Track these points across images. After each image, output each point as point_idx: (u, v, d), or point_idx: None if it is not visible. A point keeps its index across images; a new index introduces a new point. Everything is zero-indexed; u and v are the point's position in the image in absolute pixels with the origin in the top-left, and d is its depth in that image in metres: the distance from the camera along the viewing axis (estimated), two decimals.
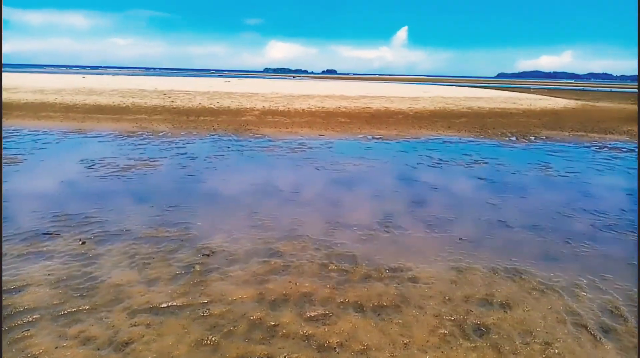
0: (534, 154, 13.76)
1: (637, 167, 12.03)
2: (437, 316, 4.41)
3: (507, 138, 16.90)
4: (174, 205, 7.67)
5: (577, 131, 18.98)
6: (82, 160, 10.99)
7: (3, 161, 10.50)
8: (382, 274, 5.26)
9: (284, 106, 24.80)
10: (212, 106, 24.10)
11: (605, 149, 14.93)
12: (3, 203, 7.37)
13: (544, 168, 11.73)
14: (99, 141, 13.89)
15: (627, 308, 4.69)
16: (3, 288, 4.64)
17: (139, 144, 13.48)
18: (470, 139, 16.56)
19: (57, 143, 13.48)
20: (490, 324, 4.30)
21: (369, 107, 25.76)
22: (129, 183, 9.07)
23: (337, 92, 35.26)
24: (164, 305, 4.46)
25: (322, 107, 24.91)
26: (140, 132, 15.73)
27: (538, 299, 4.82)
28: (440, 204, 8.26)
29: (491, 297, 4.81)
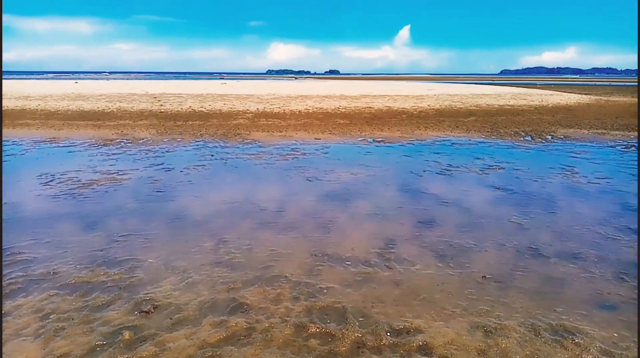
0: (555, 157, 12.24)
1: None
2: None
3: (521, 138, 15.37)
4: (126, 233, 6.24)
5: (597, 129, 17.41)
6: (40, 175, 9.59)
7: None
8: (381, 340, 3.79)
9: (279, 107, 23.35)
10: (202, 109, 22.67)
11: (633, 148, 13.38)
12: None
13: (569, 173, 10.22)
14: (70, 152, 12.49)
15: None
16: None
17: (113, 154, 12.07)
18: (481, 140, 15.04)
19: (22, 154, 12.10)
20: None
21: (370, 107, 24.27)
22: (82, 204, 7.65)
23: (337, 92, 33.77)
24: None
25: (320, 108, 23.44)
26: (118, 140, 14.33)
27: None
28: (453, 224, 6.78)
29: None
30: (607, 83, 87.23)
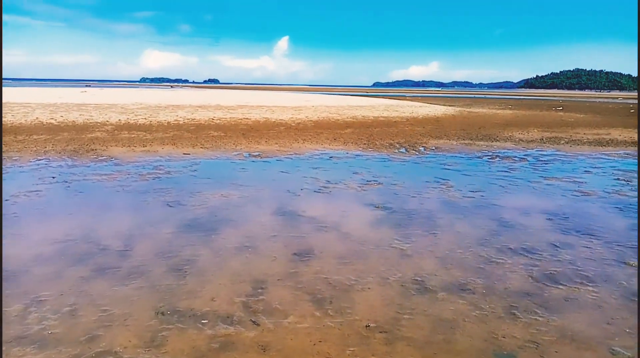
0: (429, 169, 12.27)
1: (530, 181, 11.00)
2: None
3: (396, 150, 15.44)
4: None
5: (464, 140, 18.27)
6: None
7: None
8: None
9: (145, 118, 21.21)
10: (52, 121, 19.69)
11: (498, 159, 14.04)
12: None
13: (444, 186, 10.14)
14: None
15: None
16: None
17: None
18: (359, 153, 14.78)
19: None
20: None
21: (247, 119, 23.19)
22: None
23: (213, 102, 32.16)
24: None
25: (193, 119, 21.78)
26: None
27: None
28: (332, 255, 5.98)
29: None
30: (465, 96, 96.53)
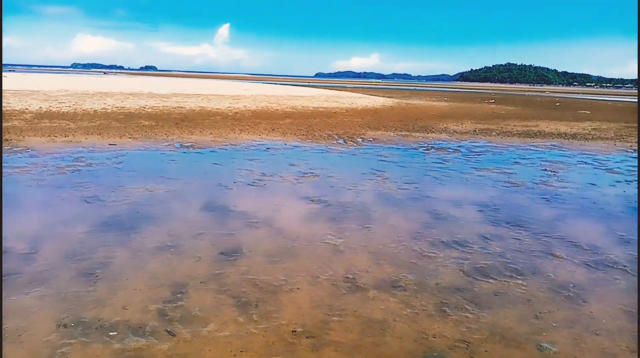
0: (366, 161, 12.21)
1: (467, 171, 11.20)
2: None
3: (334, 141, 15.29)
4: None
5: (401, 131, 18.44)
6: None
7: None
8: None
9: (70, 106, 19.79)
10: None
11: (433, 150, 14.22)
12: None
13: (379, 178, 10.08)
14: None
15: None
16: None
17: None
18: (297, 144, 14.50)
19: None
20: None
21: (181, 107, 22.24)
22: None
23: (146, 90, 30.69)
24: None
25: (122, 107, 20.59)
26: None
27: None
28: (262, 253, 5.66)
29: None
30: (404, 87, 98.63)
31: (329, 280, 4.98)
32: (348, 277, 5.07)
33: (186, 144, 13.36)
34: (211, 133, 15.65)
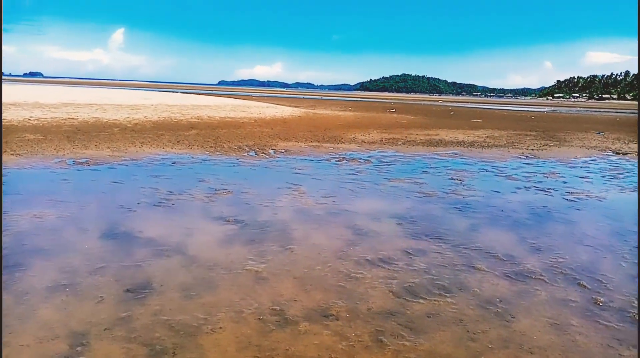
0: (280, 174, 11.84)
1: (372, 183, 11.28)
2: None
3: (245, 153, 14.74)
4: None
5: (312, 142, 18.34)
6: None
7: None
8: None
9: None
10: None
11: (345, 161, 14.22)
12: None
13: (296, 193, 9.77)
14: None
15: None
16: None
17: None
18: (205, 157, 13.74)
19: None
20: None
21: (73, 119, 20.28)
22: None
23: (31, 99, 27.71)
24: None
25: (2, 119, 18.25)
26: None
27: None
28: (174, 289, 5.04)
29: None
30: (309, 96, 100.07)
31: (255, 314, 4.52)
32: (275, 309, 4.65)
33: (80, 161, 12.04)
34: (109, 147, 14.33)
